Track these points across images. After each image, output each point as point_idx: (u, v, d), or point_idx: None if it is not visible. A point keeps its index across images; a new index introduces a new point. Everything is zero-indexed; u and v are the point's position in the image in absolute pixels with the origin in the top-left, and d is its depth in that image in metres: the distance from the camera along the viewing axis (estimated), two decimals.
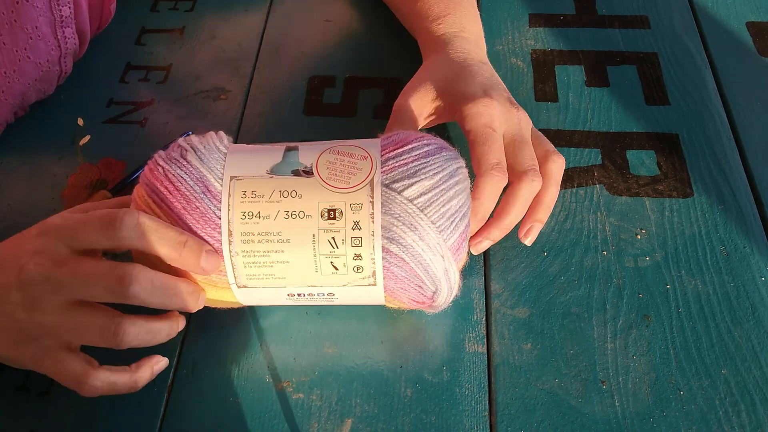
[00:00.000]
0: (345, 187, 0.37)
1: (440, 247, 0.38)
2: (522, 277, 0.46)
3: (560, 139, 0.53)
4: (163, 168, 0.38)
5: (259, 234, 0.37)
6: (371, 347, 0.43)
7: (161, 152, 0.40)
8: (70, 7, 0.52)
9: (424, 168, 0.38)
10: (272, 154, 0.39)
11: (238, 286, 0.39)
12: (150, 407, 0.41)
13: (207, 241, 0.37)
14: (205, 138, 0.40)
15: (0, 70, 0.49)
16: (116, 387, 0.38)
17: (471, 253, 0.44)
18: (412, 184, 0.38)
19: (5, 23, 0.48)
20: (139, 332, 0.37)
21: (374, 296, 0.39)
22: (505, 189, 0.42)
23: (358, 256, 0.37)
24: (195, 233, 0.37)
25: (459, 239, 0.39)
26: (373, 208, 0.37)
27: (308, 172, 0.38)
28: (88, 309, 0.37)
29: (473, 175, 0.42)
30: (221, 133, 0.41)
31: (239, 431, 0.40)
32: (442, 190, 0.38)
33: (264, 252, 0.37)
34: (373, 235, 0.37)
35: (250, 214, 0.37)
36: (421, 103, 0.47)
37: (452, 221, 0.38)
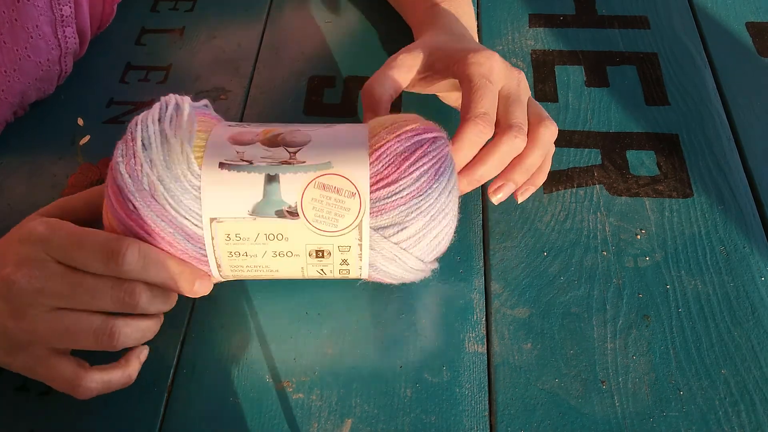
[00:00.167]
0: (333, 230, 0.36)
1: (423, 266, 0.40)
2: (522, 277, 0.46)
3: (560, 139, 0.53)
4: (133, 205, 0.35)
5: (248, 266, 0.38)
6: (371, 347, 0.43)
7: (125, 178, 0.35)
8: (70, 7, 0.52)
9: (415, 211, 0.36)
10: (251, 184, 0.35)
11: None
12: (150, 407, 0.41)
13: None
14: (171, 158, 0.35)
15: (0, 68, 0.49)
16: (111, 385, 0.38)
17: None
18: (401, 230, 0.37)
19: (6, 22, 0.48)
20: (132, 332, 0.38)
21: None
22: None
23: (345, 272, 0.39)
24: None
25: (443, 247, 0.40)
26: (361, 250, 0.37)
27: (293, 213, 0.36)
28: (78, 314, 0.37)
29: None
30: (187, 125, 0.37)
31: (239, 431, 0.40)
32: (431, 227, 0.38)
33: (254, 275, 0.39)
34: (360, 268, 0.38)
35: (237, 253, 0.37)
36: (412, 61, 0.46)
37: (438, 243, 0.39)
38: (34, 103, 0.55)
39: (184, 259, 0.38)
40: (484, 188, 0.46)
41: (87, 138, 0.54)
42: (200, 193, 0.35)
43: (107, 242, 0.36)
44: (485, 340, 0.43)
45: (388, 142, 0.37)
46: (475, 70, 0.42)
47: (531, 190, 0.44)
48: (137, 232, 0.36)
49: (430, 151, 0.37)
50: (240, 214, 0.35)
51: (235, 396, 0.41)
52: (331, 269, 0.38)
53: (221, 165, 0.35)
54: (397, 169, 0.36)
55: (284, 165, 0.36)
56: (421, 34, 0.51)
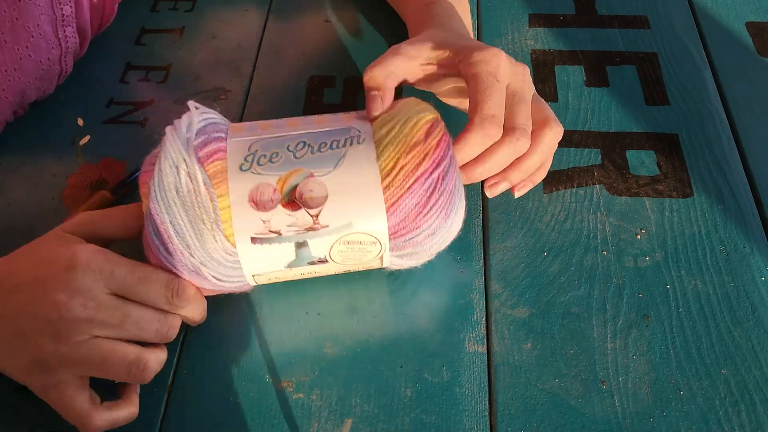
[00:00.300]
0: (357, 264, 0.41)
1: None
2: (522, 277, 0.46)
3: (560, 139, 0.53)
4: (178, 270, 0.39)
5: (281, 282, 0.44)
6: (371, 347, 0.43)
7: (166, 260, 0.38)
8: (71, 6, 0.52)
9: (429, 240, 0.40)
10: (284, 252, 0.39)
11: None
12: (150, 407, 0.41)
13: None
14: (206, 246, 0.38)
15: (1, 67, 0.49)
16: (117, 423, 0.39)
17: None
18: (416, 253, 0.41)
19: (7, 21, 0.48)
20: (157, 366, 0.39)
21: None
22: None
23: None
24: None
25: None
26: (382, 263, 0.42)
27: (323, 261, 0.40)
28: (116, 343, 0.37)
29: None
30: (207, 201, 0.38)
31: (239, 431, 0.40)
32: (444, 240, 0.41)
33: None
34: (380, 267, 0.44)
35: (275, 281, 0.43)
36: (415, 51, 0.45)
37: (449, 239, 0.42)
38: (34, 103, 0.55)
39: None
40: (484, 188, 0.46)
41: (87, 138, 0.54)
42: (239, 263, 0.39)
43: (170, 281, 0.39)
44: (485, 340, 0.43)
45: (401, 198, 0.38)
46: (483, 68, 0.41)
47: (529, 186, 0.45)
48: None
49: (442, 194, 0.39)
50: (276, 269, 0.40)
51: (235, 396, 0.41)
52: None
53: (253, 240, 0.38)
54: (413, 221, 0.39)
55: (310, 231, 0.38)
56: (418, 31, 0.51)
